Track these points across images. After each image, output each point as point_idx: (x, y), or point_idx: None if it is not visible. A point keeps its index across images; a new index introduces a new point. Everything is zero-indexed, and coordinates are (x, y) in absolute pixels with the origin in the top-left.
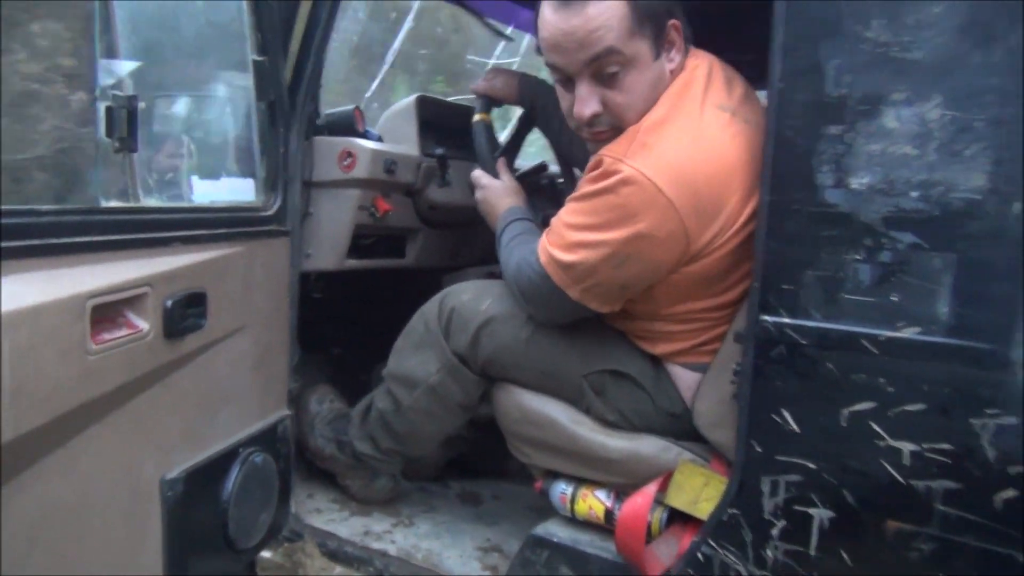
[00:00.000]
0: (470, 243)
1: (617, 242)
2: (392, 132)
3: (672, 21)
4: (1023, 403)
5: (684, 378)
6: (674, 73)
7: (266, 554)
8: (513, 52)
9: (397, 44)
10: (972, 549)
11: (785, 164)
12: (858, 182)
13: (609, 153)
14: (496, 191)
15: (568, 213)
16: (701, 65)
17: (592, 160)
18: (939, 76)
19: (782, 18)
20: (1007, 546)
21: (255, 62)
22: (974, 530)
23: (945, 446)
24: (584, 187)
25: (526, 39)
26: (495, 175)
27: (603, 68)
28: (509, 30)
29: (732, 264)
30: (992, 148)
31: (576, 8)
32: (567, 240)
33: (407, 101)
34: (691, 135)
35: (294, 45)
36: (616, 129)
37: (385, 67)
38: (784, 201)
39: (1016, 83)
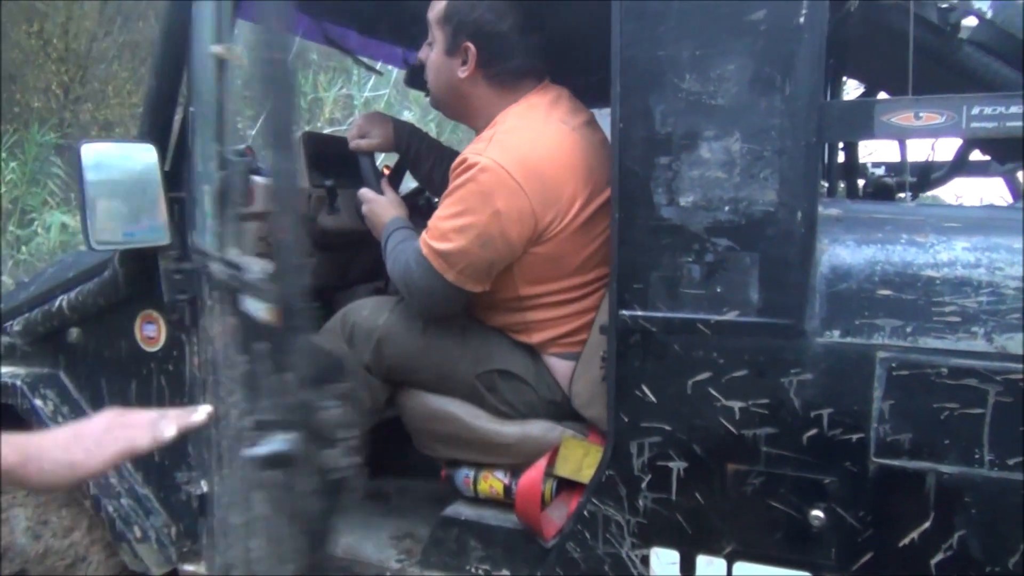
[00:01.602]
0: (359, 263)
1: (481, 223)
2: None
3: (465, 42)
4: (815, 362)
5: (559, 368)
6: (493, 86)
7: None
8: (385, 84)
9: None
10: (789, 478)
11: (629, 188)
12: (685, 200)
13: (469, 152)
14: (381, 204)
15: (440, 208)
16: (550, 92)
17: (456, 161)
18: (737, 117)
19: (617, 72)
20: (814, 472)
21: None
22: (790, 463)
23: (764, 401)
24: (451, 184)
25: (395, 72)
26: (381, 193)
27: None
28: (379, 65)
29: (572, 249)
30: (778, 171)
31: None
32: (441, 230)
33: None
34: (537, 136)
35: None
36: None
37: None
38: (630, 217)
39: (792, 123)
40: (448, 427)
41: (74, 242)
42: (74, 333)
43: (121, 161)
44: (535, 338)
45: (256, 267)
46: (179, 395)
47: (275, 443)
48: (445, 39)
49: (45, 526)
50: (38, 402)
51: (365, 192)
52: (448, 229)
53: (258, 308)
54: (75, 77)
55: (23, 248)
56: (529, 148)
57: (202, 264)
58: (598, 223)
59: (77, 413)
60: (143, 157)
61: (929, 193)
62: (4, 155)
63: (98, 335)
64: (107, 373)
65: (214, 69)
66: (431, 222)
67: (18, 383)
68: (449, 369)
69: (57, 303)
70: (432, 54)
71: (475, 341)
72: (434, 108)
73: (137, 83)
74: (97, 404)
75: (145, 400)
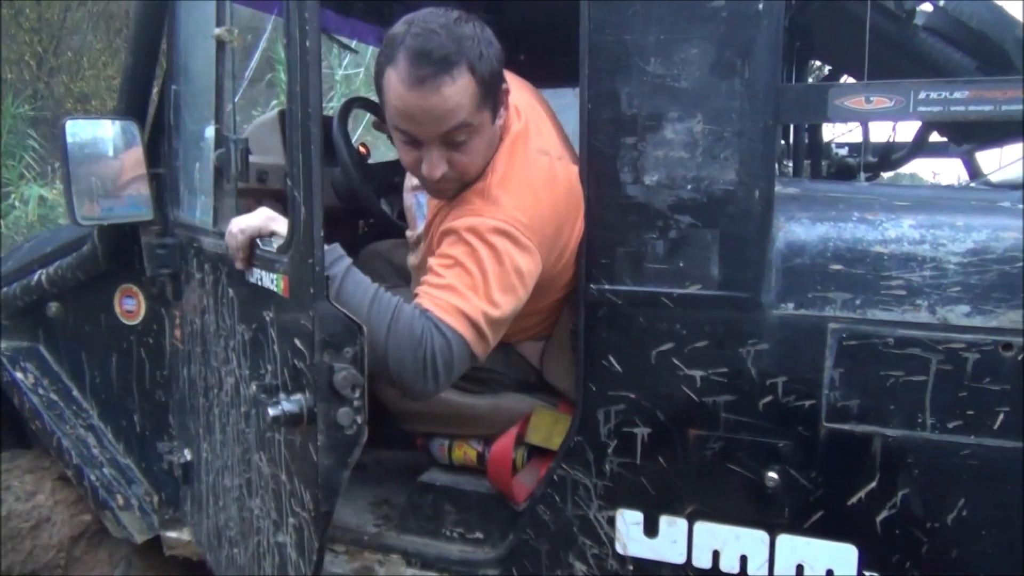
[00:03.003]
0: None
1: (510, 288)
2: (259, 143)
3: (504, 85)
4: (771, 333)
5: (529, 349)
6: (501, 126)
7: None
8: (359, 63)
9: (253, 64)
10: (746, 442)
11: (596, 167)
12: (650, 179)
13: (466, 215)
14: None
15: (452, 281)
16: (517, 120)
17: (453, 226)
18: (700, 100)
19: (586, 55)
20: (769, 436)
21: None
22: (747, 428)
23: (723, 369)
24: (454, 252)
25: (370, 50)
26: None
27: (454, 138)
28: (354, 43)
29: (558, 276)
30: (738, 152)
31: (432, 88)
32: (471, 304)
33: (271, 115)
34: (528, 186)
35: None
36: (460, 184)
37: (243, 84)
38: (598, 195)
39: (751, 106)
40: (423, 404)
41: (53, 215)
42: (53, 307)
43: (104, 137)
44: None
45: (272, 241)
46: (159, 367)
47: (290, 404)
48: (490, 111)
49: (8, 491)
50: (18, 375)
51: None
52: (472, 299)
53: (270, 279)
54: (48, 48)
55: (0, 222)
56: (532, 200)
57: (188, 239)
58: (577, 237)
59: (57, 385)
60: (126, 133)
61: (907, 172)
62: None
63: (77, 309)
64: (87, 346)
65: (214, 51)
66: (447, 300)
67: None
68: None
69: (36, 277)
70: (474, 143)
71: None
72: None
73: (112, 54)
74: (78, 376)
75: (125, 373)
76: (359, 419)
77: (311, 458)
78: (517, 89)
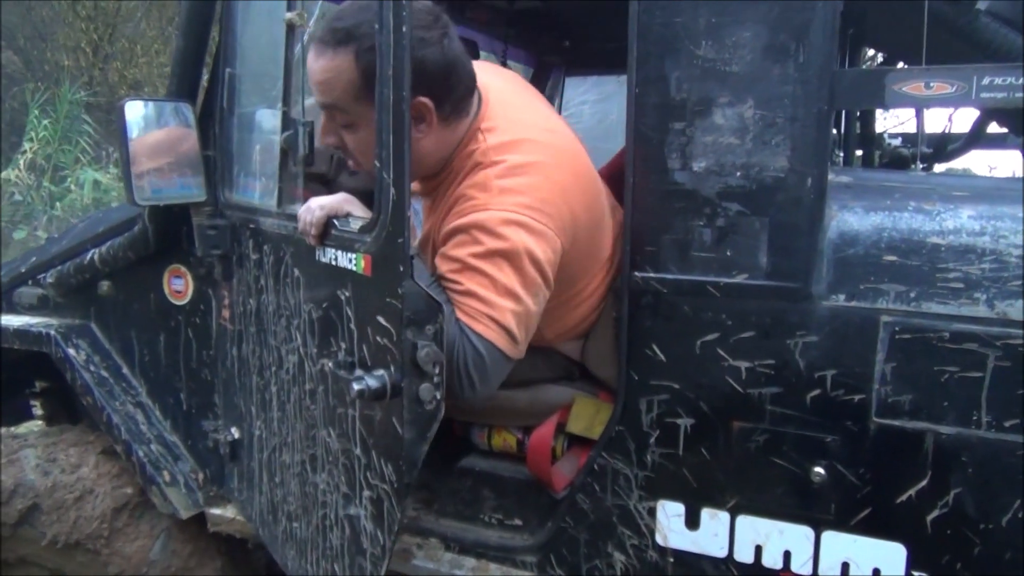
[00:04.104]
0: None
1: (529, 280)
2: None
3: (416, 99)
4: (821, 325)
5: (569, 347)
6: (445, 126)
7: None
8: None
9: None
10: (792, 435)
11: (643, 153)
12: (698, 166)
13: (469, 212)
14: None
15: (471, 284)
16: (494, 103)
17: (459, 224)
18: (751, 84)
19: (634, 37)
20: (816, 430)
21: None
22: (793, 421)
23: (770, 361)
24: (465, 252)
25: None
26: None
27: (333, 115)
28: None
29: (580, 253)
30: (790, 138)
31: (318, 52)
32: (490, 304)
33: (313, 100)
34: (529, 169)
35: None
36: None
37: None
38: (644, 182)
39: (804, 91)
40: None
41: (107, 199)
42: (105, 286)
43: (160, 120)
44: (541, 339)
45: (351, 222)
46: (206, 346)
47: (373, 379)
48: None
49: (53, 463)
50: (71, 351)
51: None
52: (496, 301)
53: (347, 258)
54: (104, 36)
55: (57, 204)
56: (537, 182)
57: (243, 220)
58: (597, 218)
59: (108, 363)
60: (181, 116)
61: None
62: (36, 113)
63: (128, 288)
64: (136, 325)
65: (283, 34)
66: (473, 307)
67: (52, 332)
68: None
69: (89, 256)
70: (358, 135)
71: None
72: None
73: (164, 41)
74: (127, 354)
75: (173, 352)
76: (438, 394)
77: (394, 431)
78: (492, 76)
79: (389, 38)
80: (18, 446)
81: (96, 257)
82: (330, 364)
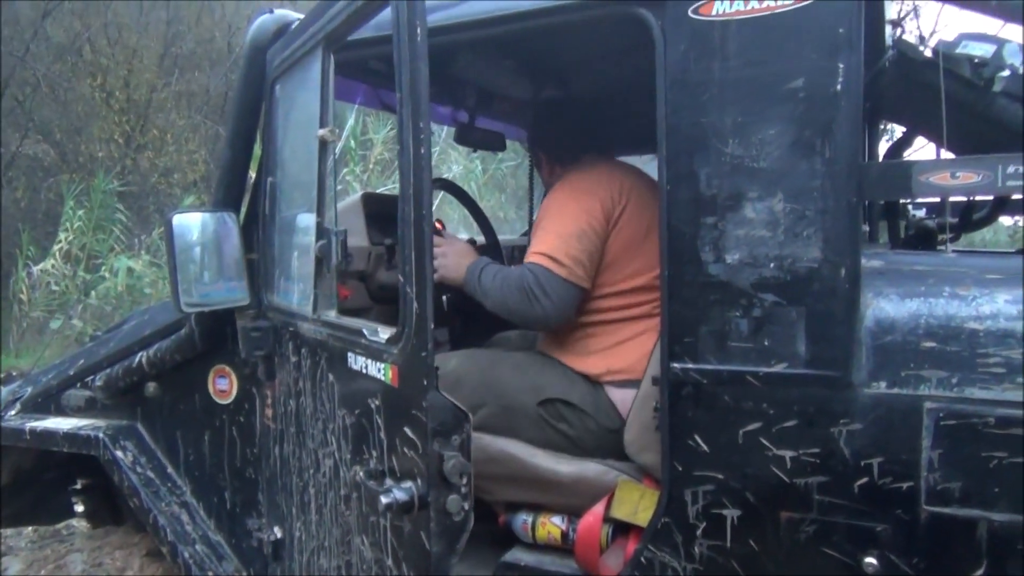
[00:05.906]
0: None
1: (572, 222)
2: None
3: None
4: (864, 412)
5: (617, 396)
6: None
7: None
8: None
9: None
10: (842, 525)
11: (677, 246)
12: (731, 258)
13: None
14: (458, 250)
15: (537, 231)
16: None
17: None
18: (779, 179)
19: (663, 137)
20: (866, 519)
21: None
22: (842, 511)
23: (815, 450)
24: (547, 210)
25: (445, 130)
26: None
27: None
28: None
29: (622, 253)
30: (821, 229)
31: None
32: (545, 242)
33: (354, 199)
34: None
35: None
36: None
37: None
38: (679, 274)
39: (833, 185)
40: (505, 468)
41: (139, 286)
42: (151, 387)
43: (205, 229)
44: (593, 367)
45: (380, 332)
46: (250, 445)
47: (401, 492)
48: None
49: (100, 567)
50: (119, 453)
51: (440, 241)
52: (551, 238)
53: (376, 367)
54: (136, 126)
55: (92, 293)
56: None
57: (283, 322)
58: (640, 226)
59: (154, 463)
60: (225, 224)
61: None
62: (72, 203)
63: (173, 388)
64: (181, 424)
65: (317, 150)
66: (532, 246)
67: (100, 435)
68: (511, 400)
69: (137, 359)
70: None
71: (532, 371)
72: None
73: (192, 130)
74: (172, 454)
75: (217, 450)
76: (466, 505)
77: (422, 545)
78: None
79: (409, 159)
80: (65, 551)
81: (144, 360)
82: (361, 473)
